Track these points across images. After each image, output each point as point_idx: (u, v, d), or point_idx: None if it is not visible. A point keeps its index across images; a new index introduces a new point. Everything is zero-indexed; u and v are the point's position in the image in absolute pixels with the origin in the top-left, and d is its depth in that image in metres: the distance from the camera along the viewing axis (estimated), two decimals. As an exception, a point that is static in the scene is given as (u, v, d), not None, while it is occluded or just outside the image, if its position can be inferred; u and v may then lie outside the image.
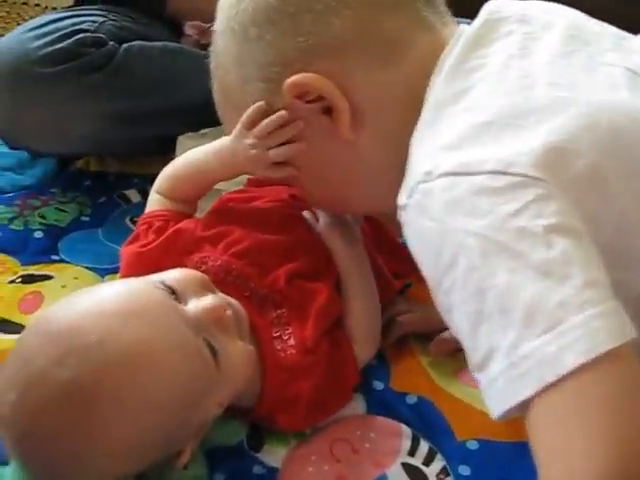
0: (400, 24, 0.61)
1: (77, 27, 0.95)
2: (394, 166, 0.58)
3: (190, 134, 1.03)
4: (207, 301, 0.62)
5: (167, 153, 1.03)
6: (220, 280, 0.68)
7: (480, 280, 0.48)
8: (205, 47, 1.12)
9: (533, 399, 0.45)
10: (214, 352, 0.60)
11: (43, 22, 0.96)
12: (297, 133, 0.64)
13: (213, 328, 0.61)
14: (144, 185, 1.05)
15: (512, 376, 0.45)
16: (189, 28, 1.17)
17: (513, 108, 0.53)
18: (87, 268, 0.89)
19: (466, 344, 0.50)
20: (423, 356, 0.80)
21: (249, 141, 0.67)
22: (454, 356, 0.80)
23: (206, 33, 1.15)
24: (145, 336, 0.56)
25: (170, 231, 0.73)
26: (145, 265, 0.69)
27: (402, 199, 0.54)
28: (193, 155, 0.78)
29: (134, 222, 0.98)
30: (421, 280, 0.89)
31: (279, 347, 0.68)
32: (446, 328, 0.79)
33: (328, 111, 0.62)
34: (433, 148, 0.53)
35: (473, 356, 0.49)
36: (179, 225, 0.74)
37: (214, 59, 0.67)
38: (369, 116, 0.61)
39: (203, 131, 1.04)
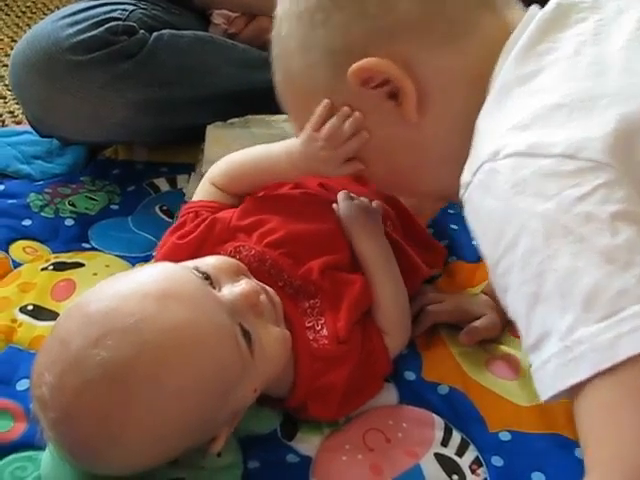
0: (465, 4, 0.60)
1: (108, 15, 0.95)
2: (458, 147, 0.58)
3: (219, 123, 1.03)
4: (241, 286, 0.62)
5: (196, 142, 1.03)
6: (254, 269, 0.68)
7: (541, 262, 0.47)
8: (232, 36, 1.14)
9: (584, 384, 0.44)
10: (249, 337, 0.60)
11: (74, 10, 0.96)
12: (361, 124, 0.64)
13: (248, 313, 0.61)
14: (173, 174, 1.06)
15: (565, 360, 0.45)
16: (217, 17, 1.16)
17: (584, 92, 0.52)
18: (118, 256, 0.89)
19: (521, 325, 0.50)
20: (454, 346, 0.79)
21: (319, 144, 0.67)
22: (484, 347, 0.80)
23: (234, 22, 1.15)
24: (182, 320, 0.57)
25: (206, 222, 0.73)
26: (182, 255, 0.69)
27: (466, 177, 0.54)
28: (260, 153, 0.77)
29: (164, 211, 0.99)
30: (449, 272, 0.90)
31: (312, 337, 0.68)
32: (476, 318, 0.80)
33: (393, 96, 0.61)
34: (500, 128, 0.53)
35: (527, 337, 0.49)
36: (215, 215, 0.74)
37: (277, 45, 0.67)
38: (434, 97, 0.61)
39: (232, 120, 1.04)
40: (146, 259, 0.89)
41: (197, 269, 0.62)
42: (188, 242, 0.72)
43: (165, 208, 0.99)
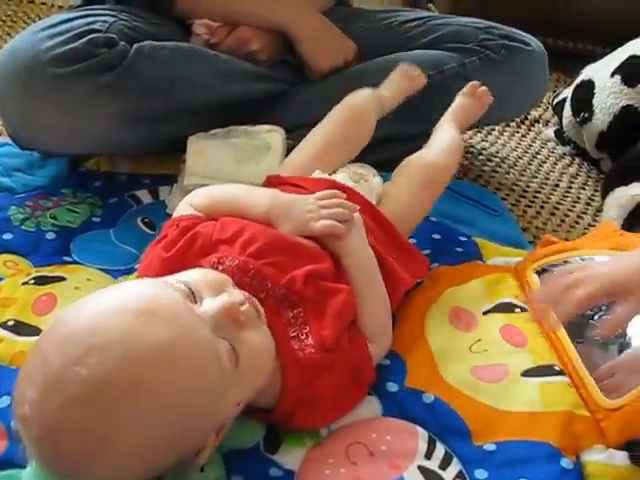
0: None
1: (89, 27, 0.95)
2: None
3: (201, 134, 1.03)
4: (223, 299, 0.62)
5: (178, 153, 1.03)
6: (237, 281, 0.68)
7: None
8: (214, 46, 1.14)
9: None
10: (231, 351, 0.60)
11: (55, 22, 0.95)
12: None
13: (230, 326, 0.61)
14: (155, 185, 1.06)
15: None
16: (198, 27, 1.15)
17: None
18: (100, 269, 0.89)
19: None
20: (438, 355, 0.79)
21: (310, 207, 0.76)
22: (466, 355, 0.79)
23: (215, 32, 1.15)
24: (163, 336, 0.57)
25: (188, 235, 0.73)
26: (165, 268, 0.69)
27: None
28: (241, 196, 0.79)
29: (145, 223, 0.99)
30: (432, 276, 0.91)
31: (297, 347, 0.68)
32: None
33: None
34: None
35: None
36: (197, 229, 0.74)
37: None
38: None
39: (213, 131, 1.04)
40: (128, 272, 0.89)
41: (179, 282, 0.62)
42: (172, 256, 0.72)
43: (147, 220, 0.99)
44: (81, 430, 0.54)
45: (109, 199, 1.03)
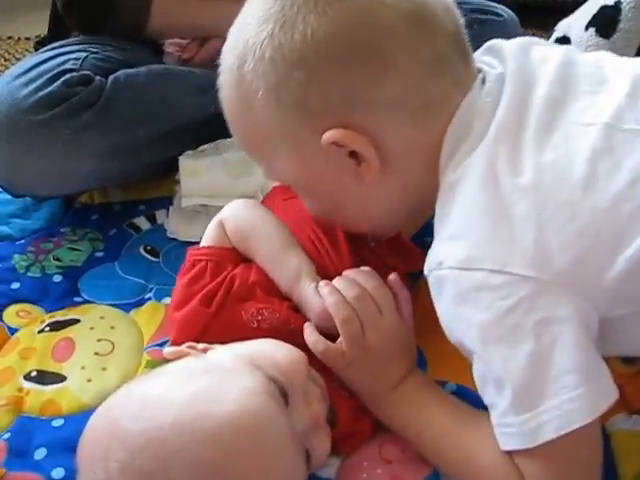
0: (442, 87, 0.63)
1: (62, 68, 0.94)
2: (402, 207, 0.69)
3: (190, 152, 1.03)
4: (313, 410, 0.64)
5: (169, 173, 1.03)
6: (276, 329, 0.70)
7: (481, 361, 0.60)
8: (187, 62, 1.13)
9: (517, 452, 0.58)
10: (309, 456, 0.63)
11: (27, 67, 0.95)
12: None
13: (312, 431, 0.64)
14: (151, 210, 1.06)
15: (503, 432, 0.59)
16: (169, 45, 1.16)
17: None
18: (111, 305, 0.89)
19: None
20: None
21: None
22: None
23: (187, 48, 1.15)
24: (261, 467, 0.59)
25: (226, 282, 0.73)
26: (203, 321, 0.72)
27: (429, 265, 0.62)
28: (278, 256, 0.75)
29: (148, 251, 0.99)
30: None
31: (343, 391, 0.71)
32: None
33: (354, 155, 0.64)
34: (442, 237, 0.61)
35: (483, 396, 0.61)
36: (235, 271, 0.74)
37: (235, 76, 0.65)
38: (393, 166, 0.64)
39: (202, 148, 1.04)
40: (138, 304, 0.90)
41: (275, 382, 0.62)
42: (214, 311, 0.72)
43: (149, 248, 1.00)
44: None
45: (108, 231, 1.03)
